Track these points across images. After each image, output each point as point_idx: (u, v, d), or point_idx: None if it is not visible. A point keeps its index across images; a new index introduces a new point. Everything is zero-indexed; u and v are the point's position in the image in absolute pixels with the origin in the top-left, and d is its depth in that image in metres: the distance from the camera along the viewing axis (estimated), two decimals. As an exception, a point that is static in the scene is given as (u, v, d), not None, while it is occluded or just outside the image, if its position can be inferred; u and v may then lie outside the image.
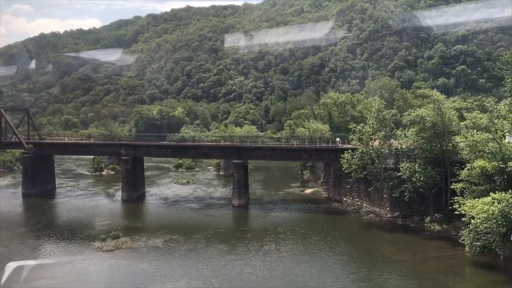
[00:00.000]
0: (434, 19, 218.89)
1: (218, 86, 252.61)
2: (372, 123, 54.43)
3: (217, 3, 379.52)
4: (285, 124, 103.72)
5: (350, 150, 55.56)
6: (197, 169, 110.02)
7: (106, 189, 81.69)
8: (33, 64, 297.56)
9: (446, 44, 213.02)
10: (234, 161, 65.54)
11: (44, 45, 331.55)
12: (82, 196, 73.96)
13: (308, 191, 75.95)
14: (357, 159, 54.23)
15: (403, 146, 55.10)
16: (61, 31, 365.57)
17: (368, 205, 59.89)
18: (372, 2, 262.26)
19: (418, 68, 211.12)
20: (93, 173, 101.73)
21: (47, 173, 79.09)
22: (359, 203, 61.81)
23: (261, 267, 39.18)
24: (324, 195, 71.35)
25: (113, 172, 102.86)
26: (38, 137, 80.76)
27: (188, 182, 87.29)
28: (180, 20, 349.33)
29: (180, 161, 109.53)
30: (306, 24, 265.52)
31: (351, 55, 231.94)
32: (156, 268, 39.27)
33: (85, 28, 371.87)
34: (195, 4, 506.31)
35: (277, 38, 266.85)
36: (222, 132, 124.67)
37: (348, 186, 63.99)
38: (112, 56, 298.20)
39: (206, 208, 65.39)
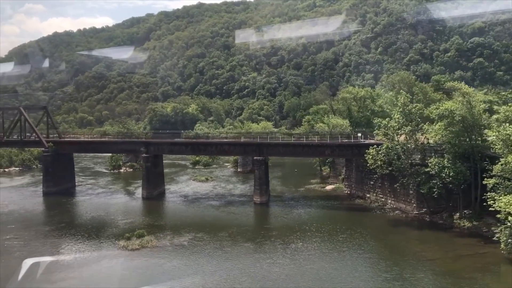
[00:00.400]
0: (450, 11, 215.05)
1: (231, 82, 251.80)
2: (398, 118, 53.21)
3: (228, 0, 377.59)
4: (303, 119, 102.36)
5: (375, 146, 54.39)
6: (214, 166, 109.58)
7: (126, 186, 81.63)
8: (47, 63, 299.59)
9: (462, 37, 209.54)
10: (255, 157, 64.80)
11: (58, 43, 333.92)
12: (102, 194, 73.86)
13: (329, 187, 74.99)
14: (383, 154, 53.06)
15: (430, 141, 53.84)
16: (74, 30, 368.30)
17: (393, 202, 58.77)
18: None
19: (434, 61, 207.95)
20: (111, 171, 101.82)
21: (67, 171, 79.15)
22: (383, 199, 60.71)
23: (290, 266, 38.46)
24: (346, 192, 70.32)
25: (131, 170, 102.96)
26: (57, 135, 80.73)
27: (206, 179, 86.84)
28: (192, 17, 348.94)
29: (197, 158, 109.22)
30: (319, 18, 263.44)
31: (365, 49, 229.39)
32: (184, 266, 38.81)
33: (98, 26, 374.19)
34: (206, 1, 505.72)
35: (289, 33, 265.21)
36: (239, 128, 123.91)
37: (372, 182, 62.93)
38: (125, 54, 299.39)
39: (227, 205, 64.76)
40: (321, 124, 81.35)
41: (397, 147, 52.69)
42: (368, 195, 63.99)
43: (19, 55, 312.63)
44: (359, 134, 68.58)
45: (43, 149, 75.34)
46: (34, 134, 76.55)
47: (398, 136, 53.70)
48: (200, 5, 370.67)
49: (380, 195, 61.33)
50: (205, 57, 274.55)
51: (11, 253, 42.54)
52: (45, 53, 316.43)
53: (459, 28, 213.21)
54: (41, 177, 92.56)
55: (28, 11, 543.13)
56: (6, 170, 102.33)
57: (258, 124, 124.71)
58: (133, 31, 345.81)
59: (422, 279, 35.22)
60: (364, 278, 35.96)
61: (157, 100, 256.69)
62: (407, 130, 52.25)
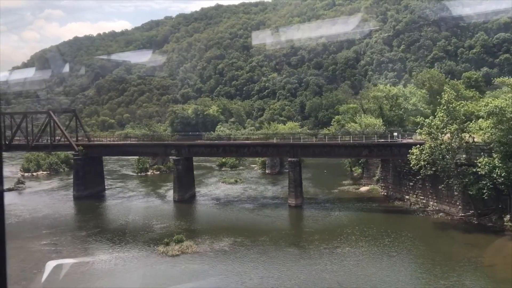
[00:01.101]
0: (473, 7, 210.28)
1: (251, 83, 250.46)
2: (442, 116, 51.02)
3: (246, 0, 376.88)
4: (332, 119, 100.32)
5: (418, 146, 52.28)
6: (241, 167, 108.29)
7: (156, 189, 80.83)
8: (67, 68, 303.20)
9: (487, 33, 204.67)
10: (289, 159, 63.18)
11: (79, 48, 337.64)
12: (133, 198, 73.15)
13: (363, 189, 72.98)
14: (427, 154, 50.91)
15: (477, 140, 51.55)
16: (94, 34, 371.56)
17: (435, 203, 56.55)
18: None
19: (458, 58, 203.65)
20: (138, 174, 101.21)
21: (96, 175, 78.72)
22: (424, 201, 58.52)
23: (341, 272, 36.78)
24: (382, 193, 68.25)
25: (158, 173, 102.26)
26: (86, 138, 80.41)
27: (236, 181, 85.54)
28: (210, 18, 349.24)
29: (223, 160, 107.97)
30: (339, 17, 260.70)
31: (387, 47, 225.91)
32: (229, 273, 37.44)
33: (116, 29, 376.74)
34: (224, 2, 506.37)
35: (309, 33, 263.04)
36: (265, 129, 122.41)
37: (411, 183, 60.78)
38: (143, 57, 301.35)
39: (261, 208, 63.31)
40: (352, 123, 79.31)
41: (441, 146, 50.50)
42: (407, 197, 61.82)
43: (41, 59, 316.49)
44: (395, 134, 66.45)
45: (72, 152, 75.03)
46: (64, 137, 76.33)
47: (443, 135, 51.46)
48: (218, 7, 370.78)
49: (421, 197, 59.13)
50: (224, 59, 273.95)
51: (51, 259, 41.71)
52: (65, 58, 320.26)
53: (484, 24, 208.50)
54: (69, 180, 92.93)
55: (48, 16, 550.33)
56: (34, 174, 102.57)
57: (284, 125, 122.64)
58: (152, 34, 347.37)
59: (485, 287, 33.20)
60: (422, 285, 34.05)
61: (177, 102, 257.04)
62: (452, 128, 50.02)
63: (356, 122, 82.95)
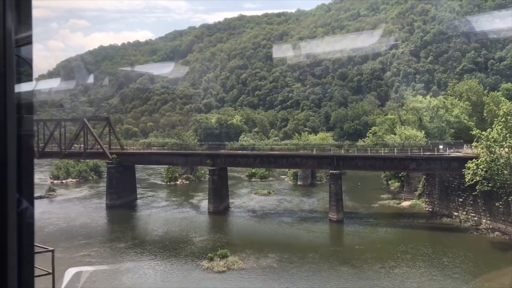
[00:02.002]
0: (504, 19, 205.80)
1: (274, 93, 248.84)
2: (501, 129, 48.16)
3: (269, 11, 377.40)
4: (368, 131, 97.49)
5: (474, 160, 49.40)
6: (270, 178, 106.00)
7: (188, 200, 79.10)
8: (92, 77, 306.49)
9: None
10: (331, 171, 60.65)
11: (104, 57, 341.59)
12: (167, 208, 71.48)
13: (405, 204, 69.89)
14: (485, 169, 48.00)
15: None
16: (118, 44, 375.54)
17: (488, 221, 53.36)
18: (433, 3, 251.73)
19: (489, 70, 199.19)
20: (167, 183, 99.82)
21: (129, 184, 77.46)
22: (475, 218, 55.33)
23: (404, 296, 34.19)
24: (427, 209, 65.13)
25: (187, 182, 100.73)
26: (119, 146, 79.30)
27: (269, 193, 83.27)
28: (233, 29, 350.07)
29: (253, 171, 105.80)
30: (363, 28, 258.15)
31: (414, 58, 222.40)
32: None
33: (140, 39, 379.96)
34: (247, 13, 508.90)
35: (333, 43, 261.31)
36: (296, 140, 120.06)
37: (461, 199, 57.70)
38: (166, 69, 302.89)
39: (301, 222, 60.89)
40: (392, 135, 76.60)
41: (500, 161, 47.59)
42: (456, 213, 58.68)
43: (66, 68, 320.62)
44: (441, 146, 63.66)
45: (106, 161, 73.92)
46: (97, 145, 75.37)
47: (501, 149, 48.55)
48: (241, 17, 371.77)
49: (472, 214, 55.96)
50: (247, 69, 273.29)
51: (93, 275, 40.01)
52: (90, 66, 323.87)
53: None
54: (100, 188, 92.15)
55: (72, 26, 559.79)
56: (64, 181, 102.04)
57: (315, 135, 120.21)
58: (175, 44, 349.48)
59: None
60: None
61: (200, 112, 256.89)
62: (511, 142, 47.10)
63: (394, 134, 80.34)
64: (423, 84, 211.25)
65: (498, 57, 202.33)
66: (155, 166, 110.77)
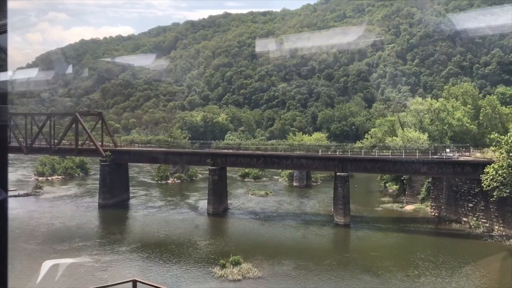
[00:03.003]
0: (489, 22, 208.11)
1: (260, 92, 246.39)
2: (519, 133, 46.94)
3: (253, 10, 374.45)
4: (366, 133, 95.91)
5: (493, 164, 48.05)
6: (264, 179, 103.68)
7: (184, 200, 76.27)
8: (73, 70, 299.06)
9: (503, 49, 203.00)
10: (338, 173, 58.65)
11: (85, 51, 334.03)
12: (164, 209, 68.42)
13: (408, 207, 68.48)
14: (504, 174, 46.66)
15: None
16: (100, 38, 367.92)
17: (501, 228, 52.12)
18: (419, 6, 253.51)
19: (474, 74, 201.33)
20: (158, 182, 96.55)
21: (122, 183, 74.13)
22: (487, 224, 54.08)
23: (437, 308, 32.33)
24: (433, 214, 63.79)
25: (179, 181, 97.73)
26: (112, 143, 75.78)
27: (266, 194, 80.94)
28: (218, 26, 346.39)
29: (246, 171, 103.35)
30: (349, 29, 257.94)
31: (400, 60, 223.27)
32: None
33: (124, 35, 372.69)
34: (232, 11, 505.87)
35: (319, 43, 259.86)
36: (290, 140, 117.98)
37: (471, 205, 56.47)
38: (147, 60, 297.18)
39: (307, 225, 58.77)
40: (393, 137, 75.17)
41: (519, 166, 46.32)
42: (465, 219, 57.41)
43: (46, 61, 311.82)
44: (448, 150, 62.47)
45: (100, 158, 70.40)
46: (90, 141, 71.86)
47: (519, 154, 47.33)
48: (226, 15, 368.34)
49: (483, 220, 54.70)
50: (232, 67, 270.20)
51: (99, 277, 36.95)
52: (71, 60, 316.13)
53: (500, 40, 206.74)
54: (88, 186, 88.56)
55: (52, 19, 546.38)
56: (49, 178, 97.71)
57: (310, 136, 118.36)
58: (159, 40, 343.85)
59: None
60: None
61: (184, 109, 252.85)
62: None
63: (394, 136, 78.99)
64: (409, 87, 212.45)
65: (483, 61, 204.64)
66: (144, 164, 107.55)
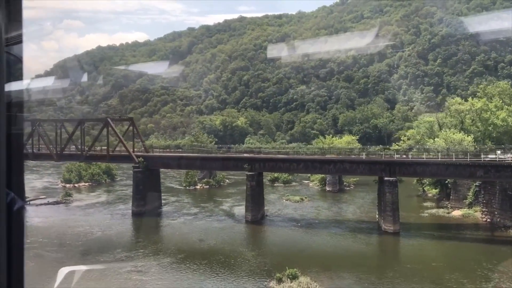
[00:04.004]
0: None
1: (278, 95, 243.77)
2: None
3: (269, 13, 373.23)
4: (402, 135, 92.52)
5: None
6: (293, 183, 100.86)
7: (218, 206, 73.81)
8: (90, 77, 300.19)
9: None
10: (385, 178, 55.58)
11: (101, 58, 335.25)
12: (199, 216, 66.02)
13: (455, 213, 64.99)
14: None
15: None
16: (117, 44, 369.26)
17: None
18: (439, 6, 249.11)
19: (499, 73, 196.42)
20: (186, 188, 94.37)
21: (155, 189, 71.92)
22: (549, 230, 50.68)
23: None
24: (484, 219, 60.26)
25: (207, 187, 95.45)
26: (144, 149, 73.78)
27: (302, 199, 78.10)
28: (233, 30, 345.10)
29: (276, 175, 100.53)
30: (368, 30, 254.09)
31: (422, 61, 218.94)
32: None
33: (138, 41, 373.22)
34: (247, 14, 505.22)
35: (338, 45, 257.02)
36: (320, 144, 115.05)
37: (529, 209, 53.05)
38: (166, 66, 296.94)
39: (353, 233, 55.89)
40: (437, 139, 71.85)
41: None
42: (523, 225, 53.99)
43: (64, 68, 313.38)
44: (499, 152, 59.08)
45: (133, 164, 68.35)
46: (121, 147, 69.95)
47: None
48: (241, 19, 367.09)
49: (544, 225, 51.29)
50: (249, 70, 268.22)
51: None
52: (88, 67, 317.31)
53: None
54: (118, 193, 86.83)
55: (67, 27, 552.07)
56: (76, 185, 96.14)
57: (340, 138, 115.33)
58: (175, 45, 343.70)
59: None
60: None
61: (201, 113, 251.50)
62: None
63: (434, 138, 75.79)
64: (432, 87, 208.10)
65: (508, 60, 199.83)
66: (169, 170, 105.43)
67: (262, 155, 65.02)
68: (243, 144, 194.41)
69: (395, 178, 55.24)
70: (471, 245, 50.27)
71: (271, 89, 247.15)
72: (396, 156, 59.63)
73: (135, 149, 74.00)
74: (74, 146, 74.99)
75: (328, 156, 62.88)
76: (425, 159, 57.12)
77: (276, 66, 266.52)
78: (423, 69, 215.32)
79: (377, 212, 62.81)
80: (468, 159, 55.53)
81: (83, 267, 35.30)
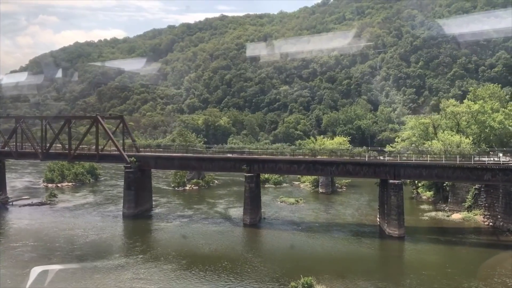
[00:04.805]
0: (493, 25, 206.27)
1: (261, 95, 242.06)
2: None
3: (251, 12, 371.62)
4: (399, 136, 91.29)
5: None
6: (284, 184, 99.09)
7: (213, 208, 71.30)
8: (67, 73, 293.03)
9: (508, 51, 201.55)
10: (390, 181, 54.08)
11: (80, 54, 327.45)
12: (195, 218, 63.36)
13: (455, 216, 64.08)
14: None
15: None
16: (95, 41, 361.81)
17: None
18: (420, 9, 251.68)
19: (480, 76, 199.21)
20: (175, 188, 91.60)
21: (146, 191, 68.99)
22: (556, 234, 50.06)
23: None
24: (486, 223, 59.43)
25: (197, 188, 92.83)
26: (135, 148, 70.64)
27: (297, 201, 76.22)
28: (215, 29, 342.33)
29: (266, 176, 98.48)
30: (350, 31, 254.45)
31: (404, 63, 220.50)
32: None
33: (116, 38, 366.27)
34: (229, 13, 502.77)
35: (320, 45, 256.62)
36: (311, 144, 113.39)
37: (535, 213, 52.38)
38: (146, 64, 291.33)
39: (357, 237, 54.10)
40: (434, 141, 70.94)
41: None
42: (527, 229, 53.30)
43: (40, 64, 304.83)
44: (501, 154, 58.46)
45: (124, 164, 65.22)
46: (113, 146, 66.75)
47: None
48: (222, 17, 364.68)
49: (551, 229, 50.66)
50: (231, 69, 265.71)
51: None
52: (66, 64, 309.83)
53: (504, 42, 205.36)
54: (104, 193, 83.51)
55: (42, 22, 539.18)
56: (59, 185, 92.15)
57: (332, 139, 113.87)
58: (155, 42, 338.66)
59: None
60: None
61: (182, 112, 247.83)
62: None
63: (429, 140, 74.98)
64: (414, 89, 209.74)
65: (489, 63, 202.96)
66: (156, 170, 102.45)
67: (262, 156, 62.69)
68: (226, 144, 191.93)
69: (400, 181, 53.84)
70: (480, 250, 49.17)
71: (253, 88, 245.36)
72: (403, 158, 58.08)
73: (125, 149, 70.83)
74: (60, 145, 71.31)
75: (329, 158, 61.13)
76: (429, 161, 55.87)
77: (259, 66, 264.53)
78: (405, 71, 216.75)
79: (378, 216, 61.47)
80: (473, 162, 54.55)
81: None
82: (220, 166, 63.91)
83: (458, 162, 54.68)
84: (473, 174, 52.68)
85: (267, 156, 63.43)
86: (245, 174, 60.67)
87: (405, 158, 57.63)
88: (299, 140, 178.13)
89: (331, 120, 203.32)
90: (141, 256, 44.49)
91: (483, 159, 56.40)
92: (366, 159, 58.63)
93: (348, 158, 61.25)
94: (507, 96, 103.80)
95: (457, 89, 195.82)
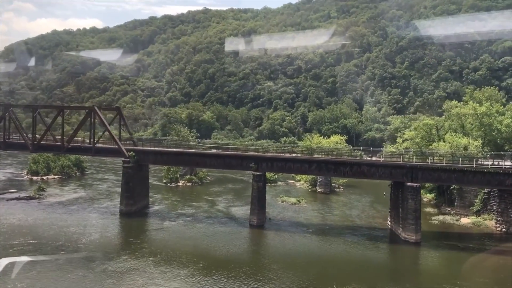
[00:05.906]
0: (477, 28, 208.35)
1: (245, 90, 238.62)
2: None
3: (234, 6, 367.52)
4: (402, 137, 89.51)
5: None
6: (279, 183, 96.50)
7: (213, 206, 68.13)
8: (44, 62, 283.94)
9: (492, 55, 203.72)
10: (408, 184, 52.00)
11: (58, 42, 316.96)
12: (198, 217, 60.00)
13: (464, 221, 62.53)
14: None
15: None
16: (74, 29, 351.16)
17: None
18: (405, 10, 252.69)
19: (464, 79, 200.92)
20: (168, 185, 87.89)
21: (143, 187, 65.32)
22: None
23: None
24: (499, 229, 58.04)
25: (190, 184, 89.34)
26: (132, 142, 66.72)
27: (298, 201, 73.66)
28: (198, 22, 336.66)
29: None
30: (335, 29, 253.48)
31: (390, 63, 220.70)
32: None
33: (92, 27, 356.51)
34: (212, 7, 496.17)
35: (305, 42, 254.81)
36: (308, 143, 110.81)
37: (553, 220, 51.20)
38: (126, 55, 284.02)
39: (372, 242, 51.81)
40: (442, 143, 69.41)
41: None
42: (545, 235, 52.16)
43: (16, 52, 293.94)
44: (514, 159, 57.27)
45: (122, 159, 61.36)
46: (111, 139, 62.78)
47: None
48: (206, 11, 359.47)
49: None
50: (214, 63, 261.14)
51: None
52: (43, 51, 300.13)
53: (488, 46, 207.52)
54: (95, 187, 79.53)
55: (17, 9, 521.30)
56: (44, 178, 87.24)
57: (329, 138, 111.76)
58: (136, 33, 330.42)
59: None
60: None
61: (164, 105, 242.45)
62: None
63: (436, 141, 73.61)
64: (399, 90, 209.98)
65: (473, 66, 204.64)
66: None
67: (270, 154, 59.79)
68: (210, 139, 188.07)
69: (418, 184, 51.80)
70: (503, 258, 47.52)
71: (237, 83, 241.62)
72: (418, 160, 56.02)
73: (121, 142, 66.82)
74: (51, 136, 66.87)
75: (343, 158, 58.75)
76: (445, 164, 54.05)
77: (243, 61, 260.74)
78: (391, 71, 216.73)
79: (388, 219, 59.49)
80: (489, 166, 53.01)
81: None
82: (225, 163, 60.61)
83: (475, 165, 53.05)
84: (494, 179, 51.09)
85: (277, 154, 60.58)
86: (253, 173, 57.70)
87: (421, 160, 55.57)
88: (285, 138, 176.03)
89: (316, 118, 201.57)
90: (152, 258, 41.11)
91: (500, 163, 54.90)
92: (381, 160, 56.39)
93: (359, 158, 58.89)
94: (504, 99, 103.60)
95: (441, 91, 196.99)
